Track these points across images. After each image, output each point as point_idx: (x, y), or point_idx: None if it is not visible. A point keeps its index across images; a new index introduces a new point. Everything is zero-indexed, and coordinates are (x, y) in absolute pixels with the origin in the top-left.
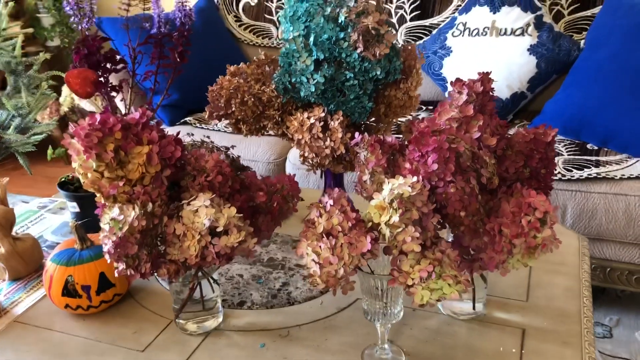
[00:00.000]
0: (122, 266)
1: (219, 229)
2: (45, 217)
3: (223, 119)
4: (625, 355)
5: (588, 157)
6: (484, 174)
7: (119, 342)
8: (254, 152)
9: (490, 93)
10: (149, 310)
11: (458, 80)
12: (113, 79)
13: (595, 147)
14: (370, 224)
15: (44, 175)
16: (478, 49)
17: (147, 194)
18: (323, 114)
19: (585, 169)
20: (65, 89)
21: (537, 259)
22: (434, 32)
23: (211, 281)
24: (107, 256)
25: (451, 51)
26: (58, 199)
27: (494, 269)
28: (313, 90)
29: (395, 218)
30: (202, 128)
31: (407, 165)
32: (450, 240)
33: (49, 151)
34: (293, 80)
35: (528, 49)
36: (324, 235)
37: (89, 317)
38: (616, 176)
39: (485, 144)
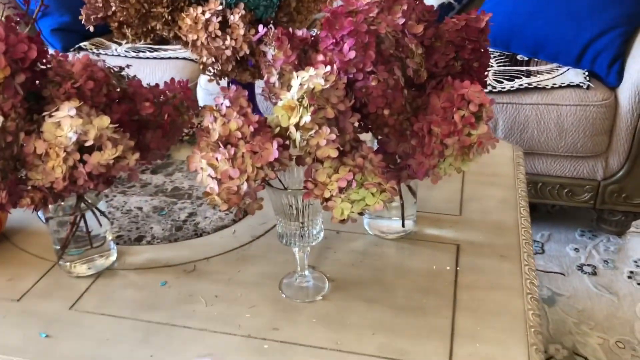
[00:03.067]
0: None
1: (89, 144)
2: None
3: (103, 24)
4: (557, 269)
5: (518, 68)
6: (410, 65)
7: None
8: (160, 77)
9: None
10: (28, 254)
11: None
12: None
13: (526, 58)
14: (277, 129)
15: None
16: None
17: None
18: (220, 8)
19: (516, 80)
20: None
21: (472, 163)
22: None
23: (97, 213)
24: None
25: None
26: None
27: (423, 176)
28: None
29: (307, 118)
30: (101, 54)
31: (320, 57)
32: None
33: None
34: None
35: None
36: (220, 145)
37: None
38: (547, 85)
39: (411, 32)
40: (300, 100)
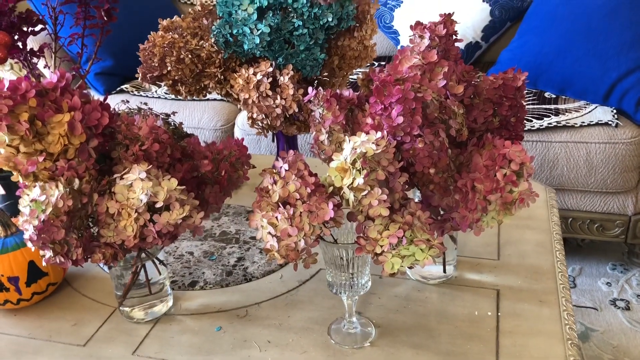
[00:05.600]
0: (49, 254)
1: (159, 205)
2: None
3: (158, 81)
4: (589, 304)
5: (547, 106)
6: (453, 126)
7: (56, 337)
8: (199, 118)
9: (454, 36)
10: (89, 299)
11: (418, 23)
12: (33, 43)
13: (553, 95)
14: (331, 188)
15: None
16: None
17: (72, 168)
18: (271, 69)
19: (545, 118)
20: None
21: (512, 215)
22: None
23: (156, 262)
24: (29, 244)
25: (401, 2)
26: None
27: (466, 228)
28: (258, 42)
29: (359, 180)
30: (141, 95)
31: (369, 120)
32: (417, 200)
33: None
34: (234, 32)
35: None
36: (280, 205)
37: (20, 311)
38: (576, 124)
39: (452, 93)
40: (353, 163)
